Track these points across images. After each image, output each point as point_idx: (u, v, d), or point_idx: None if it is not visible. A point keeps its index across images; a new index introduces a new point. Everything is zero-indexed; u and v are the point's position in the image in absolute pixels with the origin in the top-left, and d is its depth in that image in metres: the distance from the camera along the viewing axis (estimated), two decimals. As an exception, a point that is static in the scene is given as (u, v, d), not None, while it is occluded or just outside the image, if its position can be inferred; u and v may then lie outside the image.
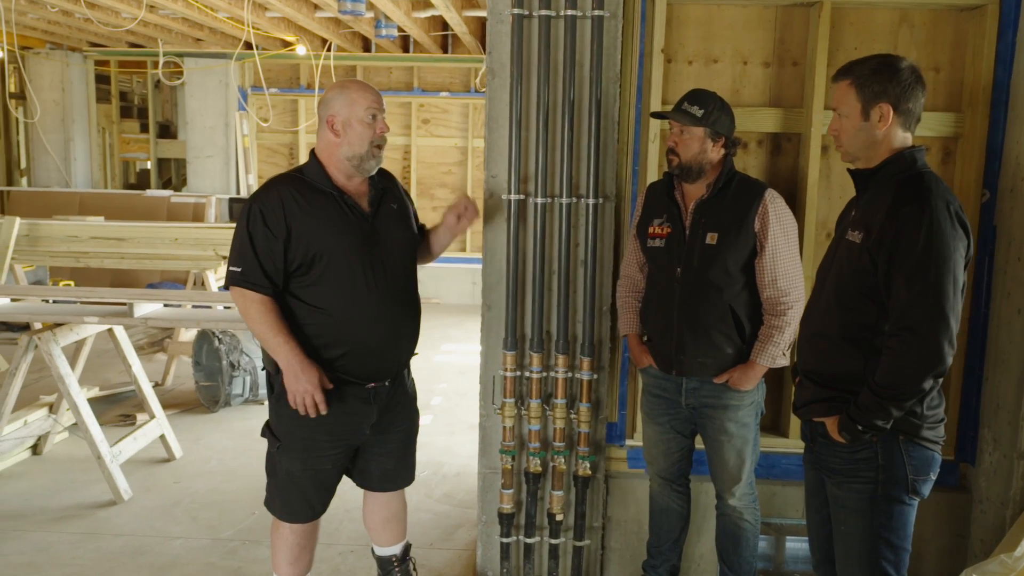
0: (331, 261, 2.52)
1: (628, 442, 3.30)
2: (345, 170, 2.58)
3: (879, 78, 2.15)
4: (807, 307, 2.43)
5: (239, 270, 2.50)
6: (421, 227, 2.89)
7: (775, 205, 2.73)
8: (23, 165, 10.65)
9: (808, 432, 2.37)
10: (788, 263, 2.70)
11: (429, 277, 9.36)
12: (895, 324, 2.09)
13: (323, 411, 2.52)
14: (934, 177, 2.16)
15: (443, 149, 9.68)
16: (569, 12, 2.93)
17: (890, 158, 2.19)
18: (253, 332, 2.57)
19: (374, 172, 2.62)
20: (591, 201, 3.01)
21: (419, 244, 2.84)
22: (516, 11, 2.93)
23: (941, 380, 2.12)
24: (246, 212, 2.52)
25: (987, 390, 3.12)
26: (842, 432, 2.18)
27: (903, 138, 2.20)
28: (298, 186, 2.55)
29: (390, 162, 9.60)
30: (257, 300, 2.50)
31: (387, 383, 2.68)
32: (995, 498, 3.05)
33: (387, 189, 2.70)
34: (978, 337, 3.14)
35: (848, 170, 2.33)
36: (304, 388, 2.49)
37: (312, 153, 2.62)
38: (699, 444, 2.96)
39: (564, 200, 3.03)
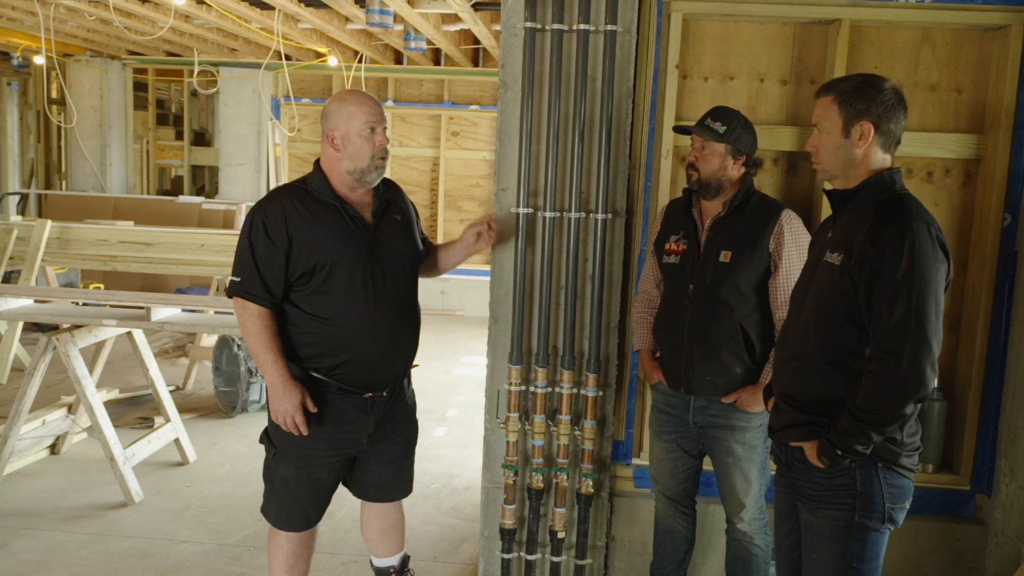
0: (332, 271, 2.53)
1: (635, 460, 3.26)
2: (347, 183, 2.59)
3: (862, 96, 2.11)
4: (783, 329, 2.37)
5: (239, 280, 2.53)
6: (425, 240, 2.89)
7: (791, 226, 2.70)
8: (62, 169, 10.87)
9: (783, 456, 2.30)
10: None
11: (453, 289, 9.39)
12: (877, 348, 2.03)
13: (304, 432, 2.54)
14: (913, 199, 2.11)
15: (472, 162, 9.71)
16: (582, 27, 2.92)
17: (869, 179, 2.14)
18: (246, 344, 2.60)
19: (376, 184, 2.62)
20: (601, 216, 2.99)
21: (422, 256, 2.83)
22: (529, 24, 2.93)
23: (920, 406, 2.06)
24: (249, 222, 2.54)
25: (1005, 419, 3.04)
26: (821, 457, 2.11)
27: (882, 159, 2.15)
28: (301, 196, 2.56)
29: (419, 174, 9.66)
30: (255, 313, 2.52)
31: (385, 393, 2.67)
32: (1011, 531, 2.96)
33: (391, 200, 2.70)
34: (997, 365, 3.06)
35: (824, 191, 2.29)
36: (285, 409, 2.51)
37: (316, 163, 2.63)
38: (707, 466, 2.92)
39: (573, 215, 3.00)
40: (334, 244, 2.53)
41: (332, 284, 2.53)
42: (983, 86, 3.06)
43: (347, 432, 2.64)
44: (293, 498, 2.67)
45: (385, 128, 2.58)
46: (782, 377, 2.31)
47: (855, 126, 2.12)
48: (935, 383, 2.03)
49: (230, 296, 2.55)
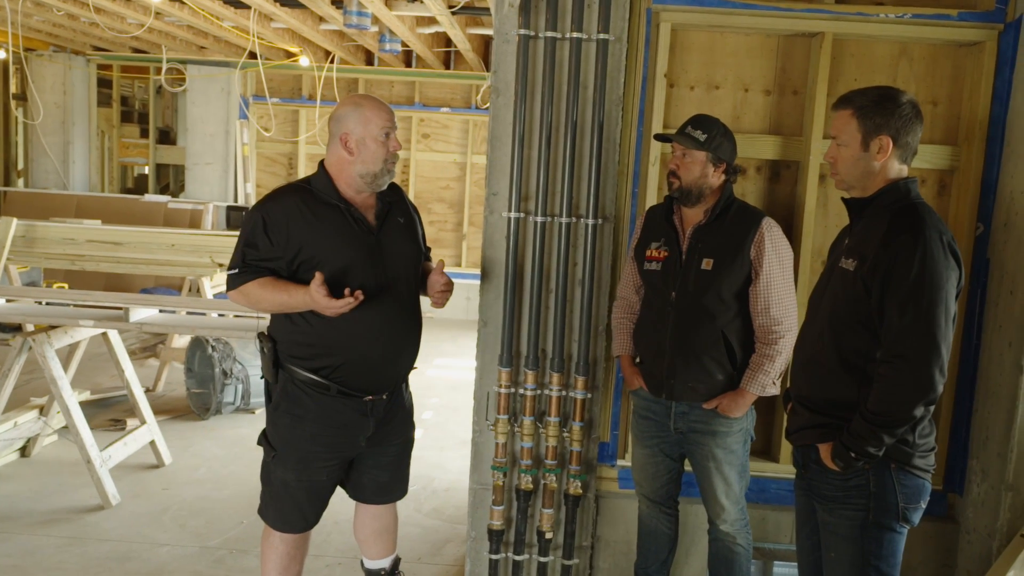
0: (335, 273, 2.53)
1: (619, 462, 3.31)
2: (356, 186, 2.59)
3: (881, 110, 2.17)
4: (800, 334, 2.45)
5: (236, 271, 2.53)
6: (427, 249, 2.90)
7: (772, 233, 2.75)
8: (20, 166, 10.65)
9: (800, 458, 2.37)
10: (782, 292, 2.71)
11: (423, 291, 9.38)
12: (887, 351, 2.10)
13: (358, 300, 2.42)
14: (927, 208, 2.19)
15: (442, 164, 9.72)
16: (575, 35, 2.97)
17: (885, 188, 2.21)
18: (272, 310, 2.56)
19: (385, 187, 2.64)
20: (590, 221, 3.04)
21: (423, 259, 2.85)
22: (523, 32, 2.97)
23: (932, 408, 2.13)
24: (249, 220, 2.55)
25: (976, 421, 3.15)
26: (835, 459, 2.18)
27: (899, 170, 2.23)
28: (305, 197, 2.57)
29: (388, 175, 9.63)
30: (255, 284, 2.51)
31: (384, 396, 2.68)
32: (982, 529, 3.07)
33: (394, 203, 2.71)
34: (969, 369, 3.17)
35: (843, 199, 2.36)
36: (326, 307, 2.42)
37: (321, 165, 2.63)
38: (688, 467, 2.97)
39: (564, 220, 3.05)
40: (337, 245, 2.53)
41: (334, 285, 2.53)
42: (958, 100, 3.17)
43: (346, 435, 2.65)
44: (292, 500, 2.67)
45: (396, 134, 2.61)
46: (798, 380, 2.38)
47: (874, 140, 2.18)
48: (943, 386, 2.09)
49: (229, 290, 2.54)
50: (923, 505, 2.23)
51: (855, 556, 2.22)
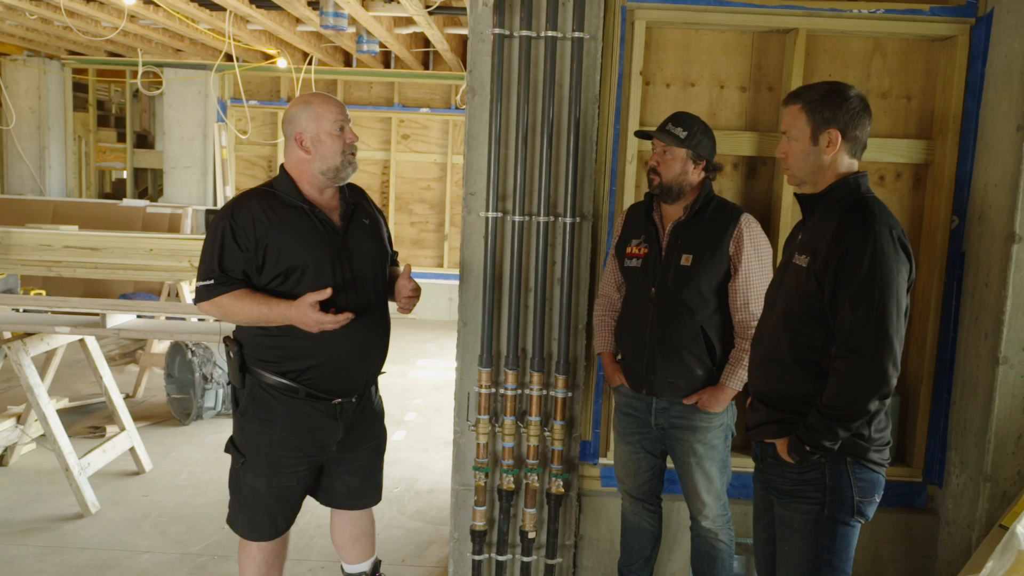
0: (303, 275, 2.51)
1: (601, 460, 3.31)
2: (319, 184, 2.57)
3: (829, 104, 2.18)
4: (757, 330, 2.45)
5: (210, 282, 2.48)
6: (394, 252, 2.88)
7: (750, 230, 2.76)
8: (-4, 172, 10.53)
9: (759, 453, 2.37)
10: (760, 287, 2.71)
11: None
12: (841, 346, 2.11)
13: (342, 321, 2.44)
14: (877, 202, 2.20)
15: (422, 165, 9.69)
16: (550, 33, 2.96)
17: (835, 183, 2.22)
18: (246, 323, 2.54)
19: (349, 179, 2.62)
20: (568, 220, 3.04)
21: (390, 261, 2.83)
22: (497, 31, 2.96)
23: (888, 402, 2.14)
24: (216, 228, 2.50)
25: (955, 413, 3.17)
26: (791, 453, 2.18)
27: (849, 164, 2.24)
28: (269, 201, 2.54)
29: (369, 176, 9.60)
30: (230, 296, 2.47)
31: (354, 399, 2.66)
32: (961, 520, 3.09)
33: (358, 204, 2.69)
34: (946, 361, 3.19)
35: (795, 195, 2.37)
36: (312, 321, 2.42)
37: (282, 168, 2.60)
38: (671, 464, 2.98)
39: (542, 219, 3.05)
40: (303, 248, 2.51)
41: (302, 287, 2.49)
42: (931, 94, 3.20)
43: (316, 439, 2.62)
44: (262, 507, 2.63)
45: (351, 126, 2.59)
46: (755, 376, 2.38)
47: (823, 133, 2.19)
48: (896, 380, 2.10)
49: (199, 301, 2.50)
50: (877, 499, 2.23)
51: (808, 550, 2.22)
